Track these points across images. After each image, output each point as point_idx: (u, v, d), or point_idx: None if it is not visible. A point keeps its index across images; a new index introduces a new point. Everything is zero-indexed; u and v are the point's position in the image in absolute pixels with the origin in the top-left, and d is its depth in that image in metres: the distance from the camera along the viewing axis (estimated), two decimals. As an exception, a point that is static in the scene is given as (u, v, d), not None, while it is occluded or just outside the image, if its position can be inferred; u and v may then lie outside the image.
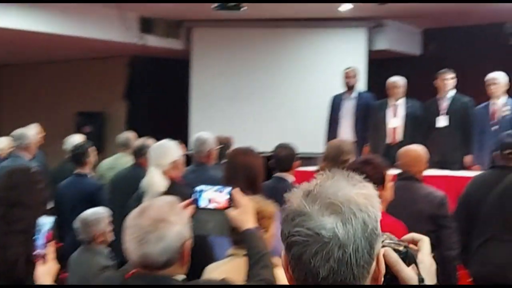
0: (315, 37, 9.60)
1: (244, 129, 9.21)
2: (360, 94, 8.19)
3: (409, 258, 1.24)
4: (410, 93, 8.08)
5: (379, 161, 3.28)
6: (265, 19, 9.45)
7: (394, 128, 7.53)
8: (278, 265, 2.60)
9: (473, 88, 8.83)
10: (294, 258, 1.13)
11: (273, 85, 9.59)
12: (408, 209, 3.57)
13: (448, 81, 7.36)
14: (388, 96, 7.68)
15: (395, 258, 1.22)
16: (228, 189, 2.32)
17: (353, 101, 8.10)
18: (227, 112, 9.61)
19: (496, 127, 6.79)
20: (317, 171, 4.88)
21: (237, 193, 2.32)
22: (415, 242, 1.29)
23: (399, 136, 7.48)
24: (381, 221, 1.17)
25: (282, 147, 4.56)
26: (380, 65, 9.99)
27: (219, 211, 2.28)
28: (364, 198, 1.14)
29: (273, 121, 9.45)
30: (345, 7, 8.63)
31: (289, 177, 4.53)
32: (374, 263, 1.15)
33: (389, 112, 7.60)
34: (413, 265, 1.23)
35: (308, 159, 8.42)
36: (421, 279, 1.22)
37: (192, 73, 9.82)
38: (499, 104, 6.94)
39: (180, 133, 8.25)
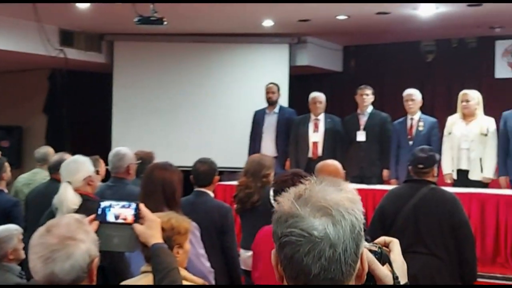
0: (238, 52, 9.67)
1: (167, 143, 9.17)
2: (281, 109, 8.29)
3: (383, 258, 1.34)
4: (331, 109, 8.25)
5: (306, 175, 3.36)
6: (188, 34, 9.45)
7: (315, 143, 7.65)
8: (187, 279, 2.59)
9: (392, 103, 9.12)
10: (287, 257, 1.20)
11: (196, 99, 9.59)
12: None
13: (367, 97, 7.54)
14: (309, 111, 7.81)
15: (371, 258, 1.31)
16: (135, 204, 2.28)
17: (275, 116, 8.19)
18: (149, 126, 9.53)
19: (412, 142, 7.00)
20: (238, 185, 4.91)
21: (144, 208, 2.29)
22: (386, 244, 1.39)
23: (319, 150, 7.60)
24: None
25: (201, 162, 4.54)
26: (302, 80, 10.16)
27: (125, 227, 2.24)
28: (350, 202, 1.22)
29: (196, 135, 9.43)
30: (268, 23, 8.74)
31: (209, 192, 4.52)
32: (358, 262, 1.22)
33: (310, 127, 7.72)
34: (387, 264, 1.34)
35: (231, 174, 8.46)
36: (395, 277, 1.33)
37: (114, 87, 9.70)
38: (415, 120, 7.17)
39: (102, 147, 8.11)
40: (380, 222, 4.34)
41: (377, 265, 1.32)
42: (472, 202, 6.03)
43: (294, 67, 9.66)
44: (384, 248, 1.38)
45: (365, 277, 1.26)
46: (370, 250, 1.32)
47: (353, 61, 10.77)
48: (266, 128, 8.16)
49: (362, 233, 1.22)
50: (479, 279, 4.55)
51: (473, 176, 6.68)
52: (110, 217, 2.24)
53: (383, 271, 1.32)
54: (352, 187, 1.28)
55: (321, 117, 7.76)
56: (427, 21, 8.37)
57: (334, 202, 1.20)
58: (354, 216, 1.20)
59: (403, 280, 1.35)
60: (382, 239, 1.41)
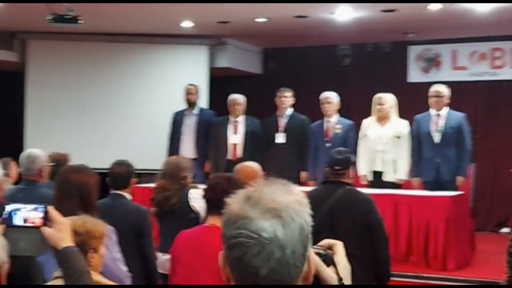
0: (157, 52, 9.56)
1: (83, 144, 8.96)
2: (201, 110, 8.26)
3: (328, 260, 1.38)
4: (251, 111, 8.28)
5: (239, 180, 3.35)
6: (106, 33, 9.28)
7: (234, 145, 7.66)
8: (103, 283, 2.53)
9: (310, 106, 9.24)
10: (235, 259, 1.19)
11: (114, 100, 9.42)
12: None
13: (286, 99, 7.62)
14: (229, 113, 7.82)
15: (317, 260, 1.33)
16: (43, 207, 2.20)
17: (195, 117, 8.15)
18: (65, 127, 9.28)
19: (329, 144, 7.12)
20: (155, 188, 4.84)
21: (52, 210, 2.22)
22: (330, 247, 1.42)
23: (239, 152, 7.63)
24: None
25: (118, 164, 4.47)
26: (222, 82, 10.16)
27: (33, 230, 2.16)
28: (299, 204, 1.23)
29: (114, 137, 9.27)
30: (187, 24, 8.69)
31: (126, 195, 4.44)
32: (305, 264, 1.22)
33: (229, 129, 7.73)
34: (332, 266, 1.37)
35: (149, 176, 8.35)
36: (340, 278, 1.37)
37: (28, 87, 9.40)
38: (332, 122, 7.29)
39: (14, 149, 7.84)
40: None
41: (322, 267, 1.35)
42: (386, 202, 6.19)
43: (214, 69, 9.65)
44: (328, 250, 1.40)
45: (312, 279, 1.27)
46: (316, 253, 1.34)
47: (272, 63, 10.86)
48: (185, 130, 8.11)
49: (310, 235, 1.23)
50: (393, 278, 4.67)
51: (387, 177, 6.86)
52: (18, 221, 2.15)
53: (328, 273, 1.36)
54: (300, 190, 1.27)
55: (241, 119, 7.79)
56: (344, 26, 8.55)
57: (283, 204, 1.20)
58: (303, 218, 1.21)
59: (347, 281, 1.39)
60: (326, 241, 1.44)
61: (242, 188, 2.86)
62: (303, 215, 1.22)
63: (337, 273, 1.37)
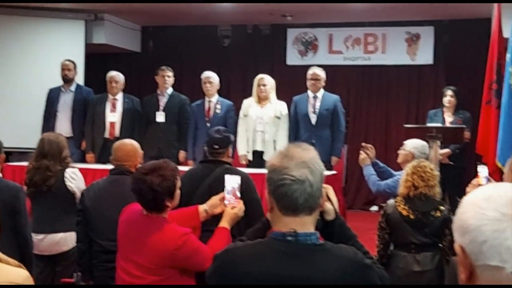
0: (31, 26, 9.11)
1: None
2: (78, 87, 8.02)
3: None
4: (130, 89, 8.15)
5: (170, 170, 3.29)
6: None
7: (112, 123, 7.52)
8: (2, 260, 2.42)
9: (189, 85, 9.25)
10: (282, 193, 1.92)
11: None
12: (119, 204, 3.56)
13: (169, 78, 7.57)
14: (107, 90, 7.65)
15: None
16: None
17: (71, 94, 7.90)
18: None
19: (209, 124, 7.16)
20: (32, 168, 4.67)
21: None
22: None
23: (117, 131, 7.49)
24: None
25: (-13, 140, 4.28)
26: (99, 59, 9.92)
27: None
28: (316, 157, 1.97)
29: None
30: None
31: (-7, 173, 4.27)
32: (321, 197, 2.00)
33: (107, 107, 7.58)
34: (328, 201, 2.27)
35: (21, 154, 8.04)
36: (334, 209, 2.26)
37: None
38: (213, 102, 7.33)
39: None
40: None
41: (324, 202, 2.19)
42: (264, 182, 6.30)
43: (91, 45, 9.36)
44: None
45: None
46: None
47: (151, 41, 10.71)
48: (61, 107, 7.84)
49: (324, 178, 1.98)
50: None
51: (267, 157, 6.99)
52: None
53: (328, 206, 2.25)
54: None
55: (119, 97, 7.65)
56: (225, 6, 8.57)
57: (309, 158, 1.94)
58: (320, 167, 1.97)
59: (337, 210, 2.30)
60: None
61: (171, 180, 3.04)
62: (320, 165, 1.98)
63: (333, 206, 2.24)
